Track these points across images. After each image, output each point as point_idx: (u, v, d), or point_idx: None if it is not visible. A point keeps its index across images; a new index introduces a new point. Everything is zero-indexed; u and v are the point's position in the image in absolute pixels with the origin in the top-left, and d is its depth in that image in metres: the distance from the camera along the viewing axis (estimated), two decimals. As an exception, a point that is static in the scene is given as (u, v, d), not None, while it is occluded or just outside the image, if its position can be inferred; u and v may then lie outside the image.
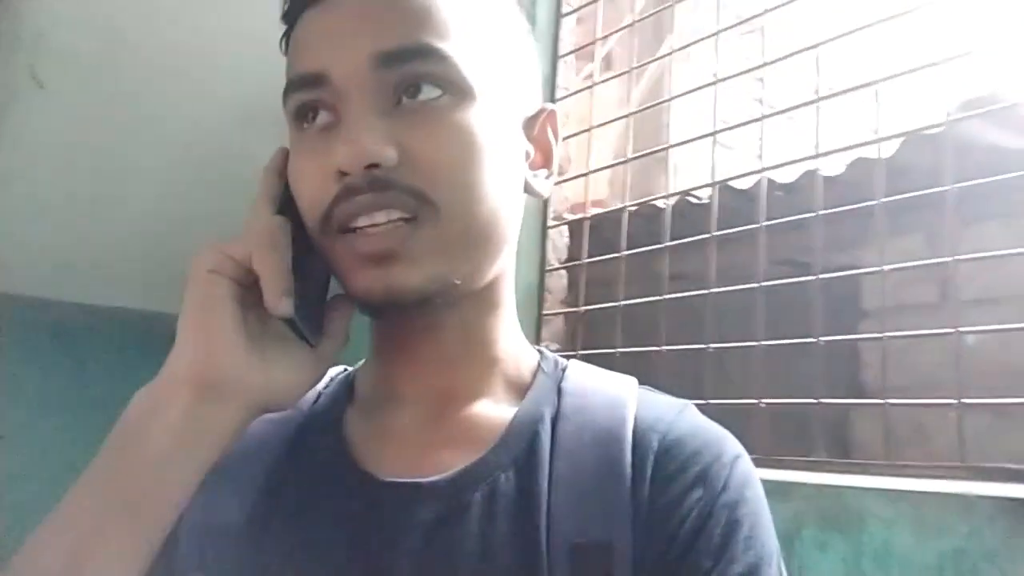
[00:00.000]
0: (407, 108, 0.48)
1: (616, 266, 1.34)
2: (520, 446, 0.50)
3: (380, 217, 0.46)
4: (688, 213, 1.51)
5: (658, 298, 1.25)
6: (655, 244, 1.29)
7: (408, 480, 0.49)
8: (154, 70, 1.21)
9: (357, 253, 0.47)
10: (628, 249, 1.33)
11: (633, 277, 1.33)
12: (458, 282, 0.49)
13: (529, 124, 0.55)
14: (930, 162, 1.03)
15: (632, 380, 0.56)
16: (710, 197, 1.25)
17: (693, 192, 1.54)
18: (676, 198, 1.43)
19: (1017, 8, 1.11)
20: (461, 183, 0.48)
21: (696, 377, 1.15)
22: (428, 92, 0.47)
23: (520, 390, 0.54)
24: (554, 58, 1.58)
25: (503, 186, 0.51)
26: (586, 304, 1.39)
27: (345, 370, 0.61)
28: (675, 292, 1.22)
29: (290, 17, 0.52)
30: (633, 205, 1.40)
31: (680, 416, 0.52)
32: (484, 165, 0.49)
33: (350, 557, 0.47)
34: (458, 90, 0.48)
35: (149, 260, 1.17)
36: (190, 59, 1.24)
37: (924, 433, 1.28)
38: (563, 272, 1.52)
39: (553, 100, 1.54)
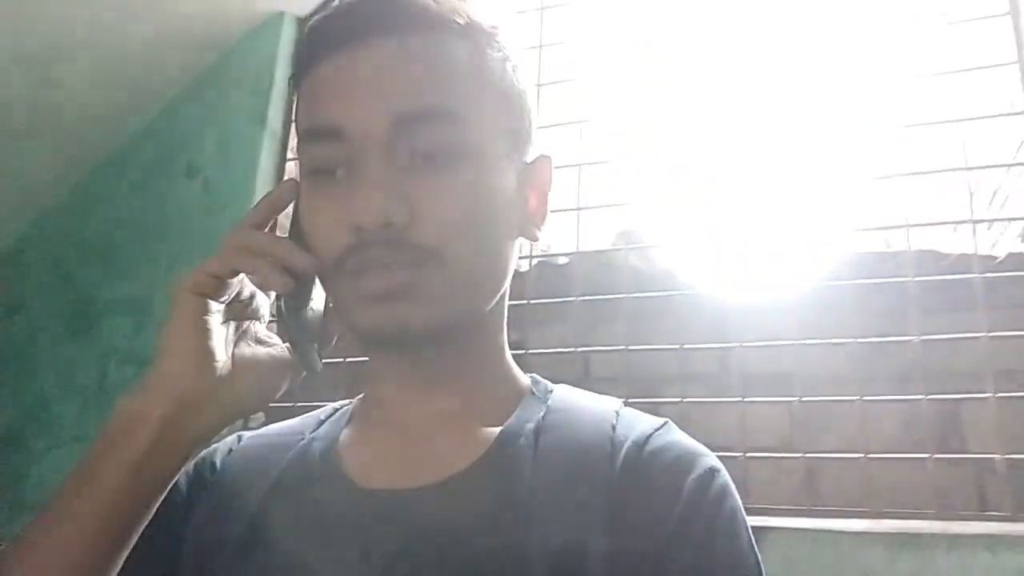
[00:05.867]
0: (421, 167, 0.49)
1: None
2: (503, 458, 0.51)
3: (392, 269, 0.49)
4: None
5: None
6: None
7: (392, 488, 0.51)
8: None
9: (366, 293, 0.49)
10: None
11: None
12: (460, 321, 0.52)
13: (527, 172, 0.57)
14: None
15: (616, 400, 0.57)
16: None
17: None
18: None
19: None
20: (467, 239, 0.50)
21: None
22: (442, 154, 0.50)
23: (509, 410, 0.55)
24: (288, 120, 1.68)
25: (503, 236, 0.54)
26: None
27: (349, 402, 0.64)
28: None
29: (305, 64, 0.53)
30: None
31: (659, 431, 0.53)
32: (488, 221, 0.52)
33: (334, 563, 0.49)
34: (470, 151, 0.50)
35: None
36: None
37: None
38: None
39: (284, 160, 1.65)
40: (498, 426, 0.54)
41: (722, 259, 1.39)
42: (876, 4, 1.37)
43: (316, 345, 0.54)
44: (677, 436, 0.53)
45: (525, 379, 0.60)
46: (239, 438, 0.62)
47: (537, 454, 0.51)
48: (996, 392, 1.12)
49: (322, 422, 0.61)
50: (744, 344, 1.26)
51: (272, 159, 1.64)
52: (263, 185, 1.60)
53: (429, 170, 0.49)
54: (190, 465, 0.59)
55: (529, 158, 0.58)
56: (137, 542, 0.54)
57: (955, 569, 0.99)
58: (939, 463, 1.17)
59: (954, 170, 1.24)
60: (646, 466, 0.50)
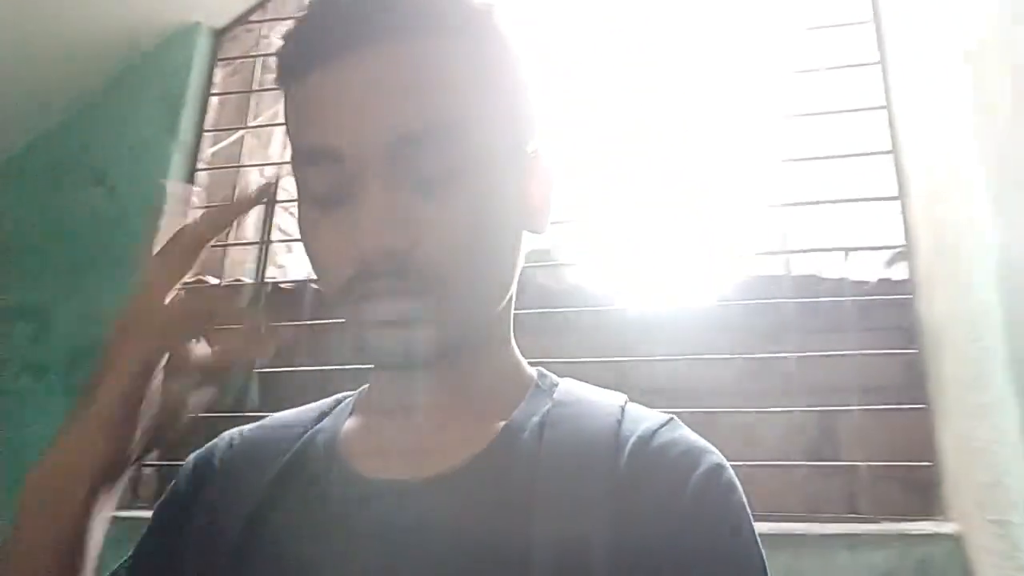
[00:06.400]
0: (422, 188, 0.47)
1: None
2: (507, 450, 0.51)
3: (398, 298, 0.47)
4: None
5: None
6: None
7: (396, 478, 0.50)
8: None
9: (374, 320, 0.48)
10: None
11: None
12: (470, 335, 0.51)
13: (531, 162, 0.54)
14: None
15: (621, 395, 0.56)
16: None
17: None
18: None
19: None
20: (474, 259, 0.48)
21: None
22: (444, 172, 0.47)
23: (514, 403, 0.55)
24: (199, 130, 1.68)
25: (510, 242, 0.52)
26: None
27: (352, 394, 0.62)
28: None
29: (292, 72, 0.49)
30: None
31: (664, 427, 0.52)
32: (495, 234, 0.50)
33: (338, 554, 0.48)
34: (473, 164, 0.47)
35: None
36: None
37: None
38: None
39: (195, 170, 1.65)
40: (503, 419, 0.53)
41: (625, 279, 1.47)
42: (767, 50, 1.48)
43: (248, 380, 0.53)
44: (683, 432, 0.52)
45: (531, 372, 0.59)
46: (240, 432, 0.60)
47: (542, 447, 0.50)
48: (862, 406, 1.23)
49: (325, 413, 0.60)
50: (638, 359, 1.34)
51: (182, 169, 1.63)
52: (172, 196, 1.59)
53: (431, 190, 0.47)
54: (189, 463, 0.59)
55: (532, 147, 0.54)
56: (139, 547, 0.54)
57: (819, 567, 1.08)
58: (814, 470, 1.27)
59: (829, 202, 1.36)
60: (652, 461, 0.49)
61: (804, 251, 1.38)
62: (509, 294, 0.55)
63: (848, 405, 1.25)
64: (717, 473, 0.49)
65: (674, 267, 1.42)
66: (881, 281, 1.53)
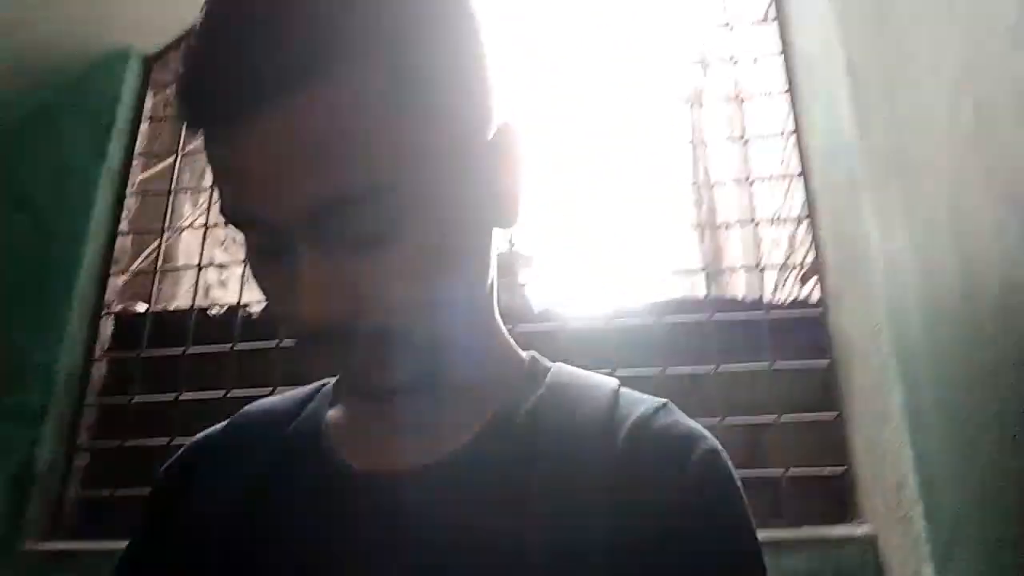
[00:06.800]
0: (363, 247, 0.43)
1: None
2: (498, 437, 0.50)
3: (352, 358, 0.45)
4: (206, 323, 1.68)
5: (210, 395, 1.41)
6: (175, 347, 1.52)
7: (383, 470, 0.49)
8: None
9: (336, 370, 0.47)
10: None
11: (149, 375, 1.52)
12: (444, 355, 0.49)
13: (490, 153, 0.49)
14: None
15: (614, 380, 0.55)
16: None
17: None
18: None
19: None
20: (428, 301, 0.45)
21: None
22: (386, 227, 0.42)
23: (505, 389, 0.54)
24: (128, 157, 1.67)
25: (480, 252, 0.50)
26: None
27: (329, 381, 0.60)
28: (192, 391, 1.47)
29: (197, 129, 0.43)
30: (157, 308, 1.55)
31: (659, 412, 0.51)
32: (452, 269, 0.46)
33: (326, 547, 0.47)
34: (414, 211, 0.43)
35: None
36: None
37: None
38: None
39: (124, 196, 1.64)
40: (493, 406, 0.52)
41: (553, 297, 1.51)
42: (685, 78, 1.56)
43: None
44: (679, 417, 0.52)
45: (523, 357, 0.58)
46: (216, 431, 0.59)
47: (535, 433, 0.49)
48: (780, 418, 1.28)
49: (307, 401, 0.58)
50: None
51: (110, 195, 1.61)
52: (99, 222, 1.57)
53: (375, 246, 0.43)
54: (162, 475, 0.58)
55: (492, 131, 0.49)
56: (130, 546, 0.54)
57: (743, 572, 1.11)
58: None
59: (747, 222, 1.42)
60: (649, 446, 0.49)
61: (722, 270, 1.43)
62: (487, 286, 0.53)
63: (768, 415, 1.30)
64: (714, 458, 0.49)
65: (601, 285, 1.46)
66: (796, 301, 1.60)
